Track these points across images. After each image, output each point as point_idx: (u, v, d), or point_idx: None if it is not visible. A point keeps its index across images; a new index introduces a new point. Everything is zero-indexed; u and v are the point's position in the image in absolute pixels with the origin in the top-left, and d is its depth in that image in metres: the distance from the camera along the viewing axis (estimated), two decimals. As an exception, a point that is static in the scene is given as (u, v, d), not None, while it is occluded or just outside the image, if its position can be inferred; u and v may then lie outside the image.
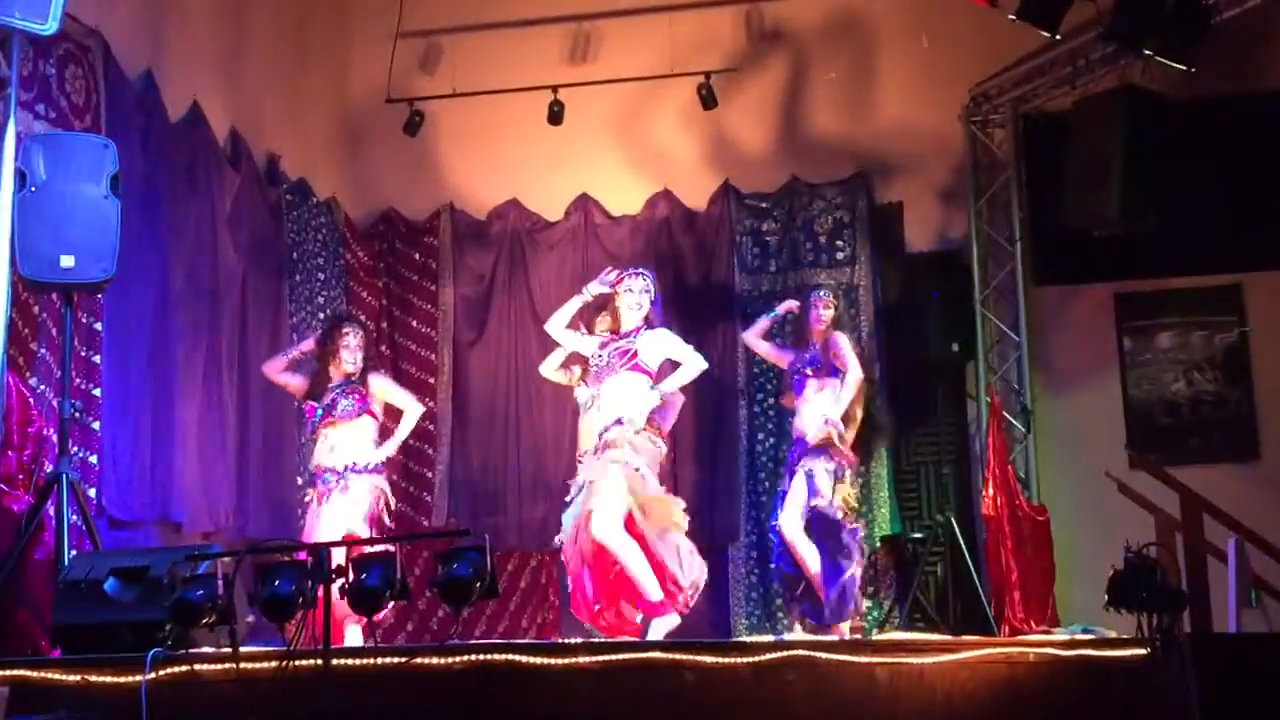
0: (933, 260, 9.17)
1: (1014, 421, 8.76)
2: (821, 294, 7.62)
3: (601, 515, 6.35)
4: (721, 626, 8.68)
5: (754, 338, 7.79)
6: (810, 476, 7.20)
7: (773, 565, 7.74)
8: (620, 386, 6.68)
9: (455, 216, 9.61)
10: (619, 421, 6.53)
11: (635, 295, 6.79)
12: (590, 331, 7.11)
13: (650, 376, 6.73)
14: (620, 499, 6.39)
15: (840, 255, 9.23)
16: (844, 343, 7.39)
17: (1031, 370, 8.87)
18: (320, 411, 7.04)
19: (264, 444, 8.19)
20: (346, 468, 6.96)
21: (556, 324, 6.97)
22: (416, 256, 9.60)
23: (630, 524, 6.41)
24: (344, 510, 6.86)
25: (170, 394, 7.44)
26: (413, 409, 7.26)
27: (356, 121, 9.75)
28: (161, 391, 7.40)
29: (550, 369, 7.36)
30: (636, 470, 6.45)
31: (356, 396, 7.07)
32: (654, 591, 6.36)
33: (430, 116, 9.48)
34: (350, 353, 7.14)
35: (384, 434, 7.42)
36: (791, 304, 7.74)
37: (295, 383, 7.25)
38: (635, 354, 6.73)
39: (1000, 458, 8.24)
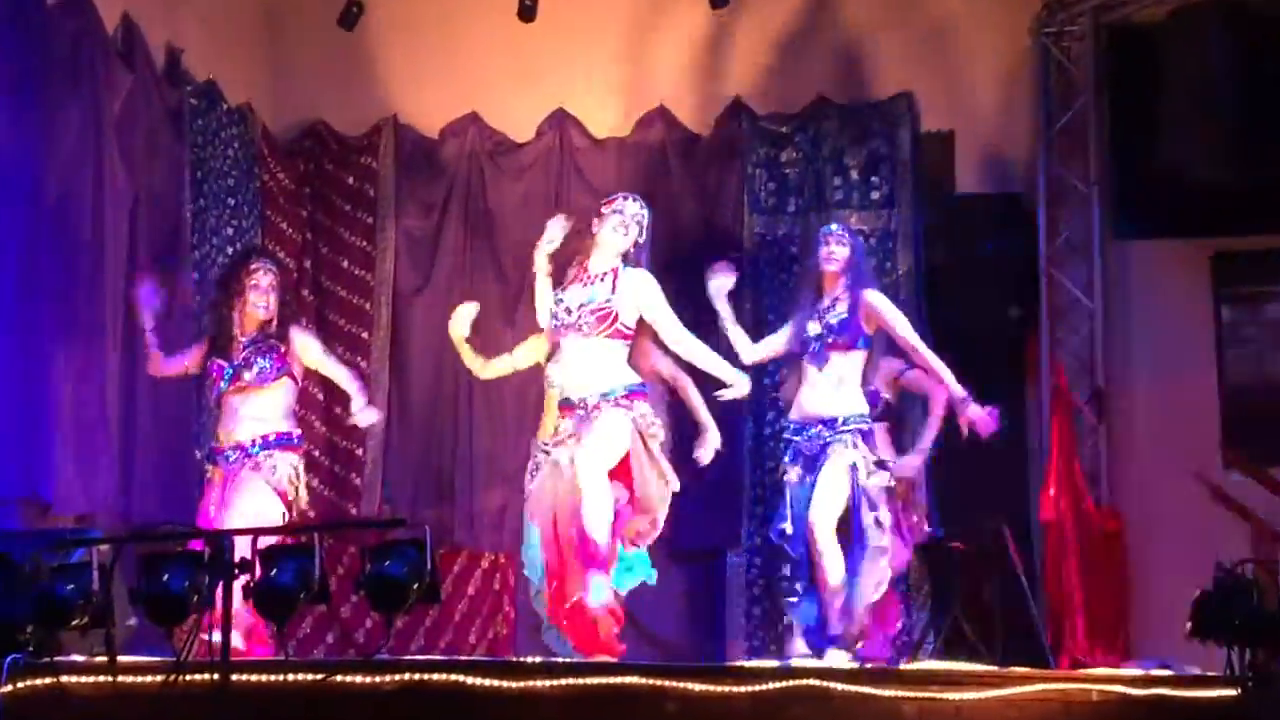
0: (989, 205, 9.16)
1: (1083, 407, 8.77)
2: (834, 229, 7.43)
3: (593, 458, 6.56)
4: (714, 649, 8.71)
5: (756, 351, 7.43)
6: (854, 471, 7.10)
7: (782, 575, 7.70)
8: (594, 356, 6.71)
9: (400, 133, 9.58)
10: (608, 400, 6.70)
11: (625, 218, 6.81)
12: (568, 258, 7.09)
13: (628, 341, 6.76)
14: (621, 446, 6.60)
15: (875, 195, 9.21)
16: (881, 300, 7.24)
17: (1107, 344, 8.88)
18: (230, 371, 7.02)
19: (155, 408, 8.16)
20: (255, 441, 6.95)
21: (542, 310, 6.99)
22: (350, 181, 9.56)
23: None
24: (256, 494, 6.87)
25: (39, 342, 7.41)
26: (351, 389, 7.28)
27: (279, 10, 9.69)
28: (29, 339, 7.36)
29: (488, 368, 7.64)
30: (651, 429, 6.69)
31: (275, 356, 7.05)
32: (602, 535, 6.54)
33: (371, 6, 9.43)
34: (261, 294, 7.11)
35: (304, 401, 7.43)
36: None
37: (190, 360, 7.21)
38: (614, 317, 6.74)
39: (1065, 450, 8.26)
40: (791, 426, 7.21)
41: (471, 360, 7.63)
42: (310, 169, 9.58)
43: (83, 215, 7.72)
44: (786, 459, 7.23)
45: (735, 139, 9.35)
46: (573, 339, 6.74)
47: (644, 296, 6.77)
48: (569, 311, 6.75)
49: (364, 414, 7.28)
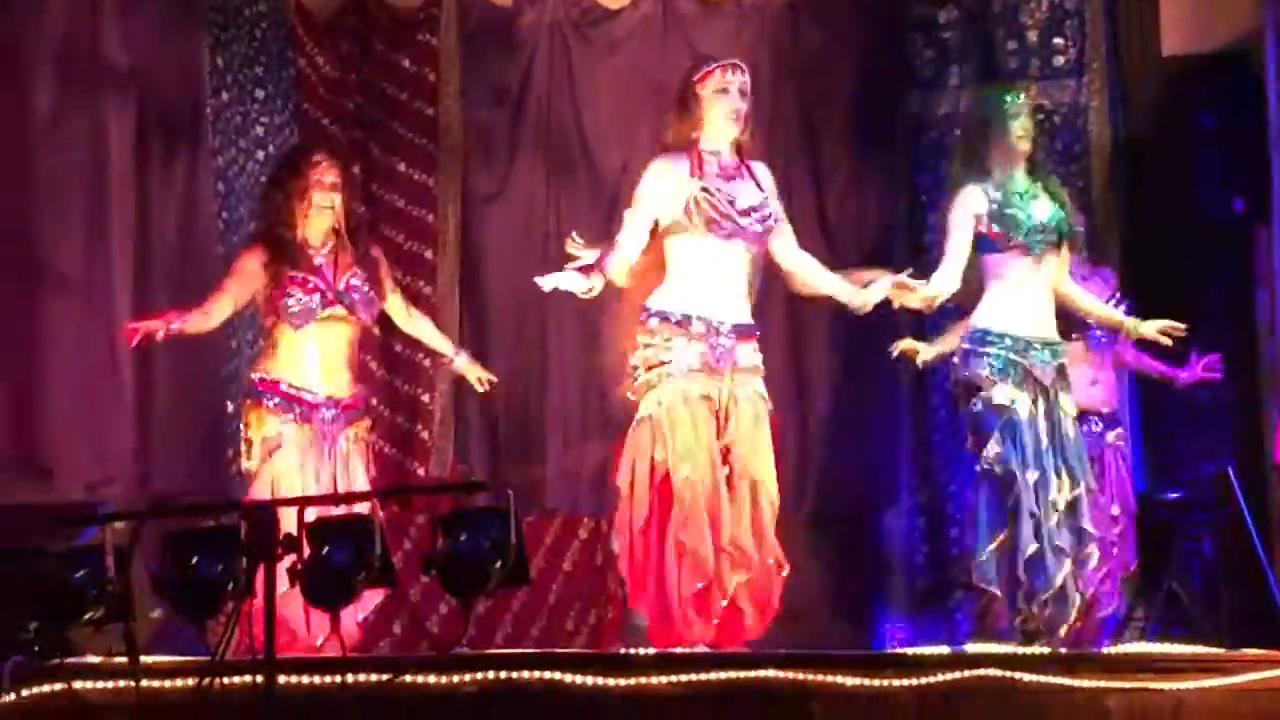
0: (1205, 68, 9.06)
1: (1328, 320, 8.69)
2: (1023, 99, 7.47)
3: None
4: (868, 630, 8.77)
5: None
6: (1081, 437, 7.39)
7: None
8: (751, 272, 6.91)
9: (465, 1, 9.59)
10: (747, 334, 6.89)
11: (732, 99, 6.87)
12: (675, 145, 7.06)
13: None
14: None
15: (1059, 61, 9.13)
16: None
17: (1359, 241, 8.78)
18: (322, 291, 7.12)
19: (176, 355, 8.25)
20: (356, 400, 7.24)
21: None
22: (406, 64, 9.58)
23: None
24: (358, 466, 7.13)
25: (28, 276, 7.52)
26: (440, 343, 7.73)
27: None
28: (14, 273, 7.47)
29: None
30: None
31: (372, 288, 7.25)
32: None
33: None
34: (326, 193, 7.20)
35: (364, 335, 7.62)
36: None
37: (240, 290, 7.27)
38: (772, 226, 6.95)
39: (1306, 376, 8.21)
40: (1007, 340, 7.26)
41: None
42: (356, 51, 9.60)
43: (75, 119, 7.79)
44: (997, 377, 7.23)
45: (883, -4, 9.32)
46: (738, 247, 6.83)
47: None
48: (746, 214, 6.83)
49: (463, 364, 7.67)
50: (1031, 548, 7.02)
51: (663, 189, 6.87)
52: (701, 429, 6.71)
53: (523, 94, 9.48)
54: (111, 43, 7.98)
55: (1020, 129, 7.35)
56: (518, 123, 9.47)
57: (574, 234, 6.97)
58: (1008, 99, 7.42)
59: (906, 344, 7.74)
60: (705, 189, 6.80)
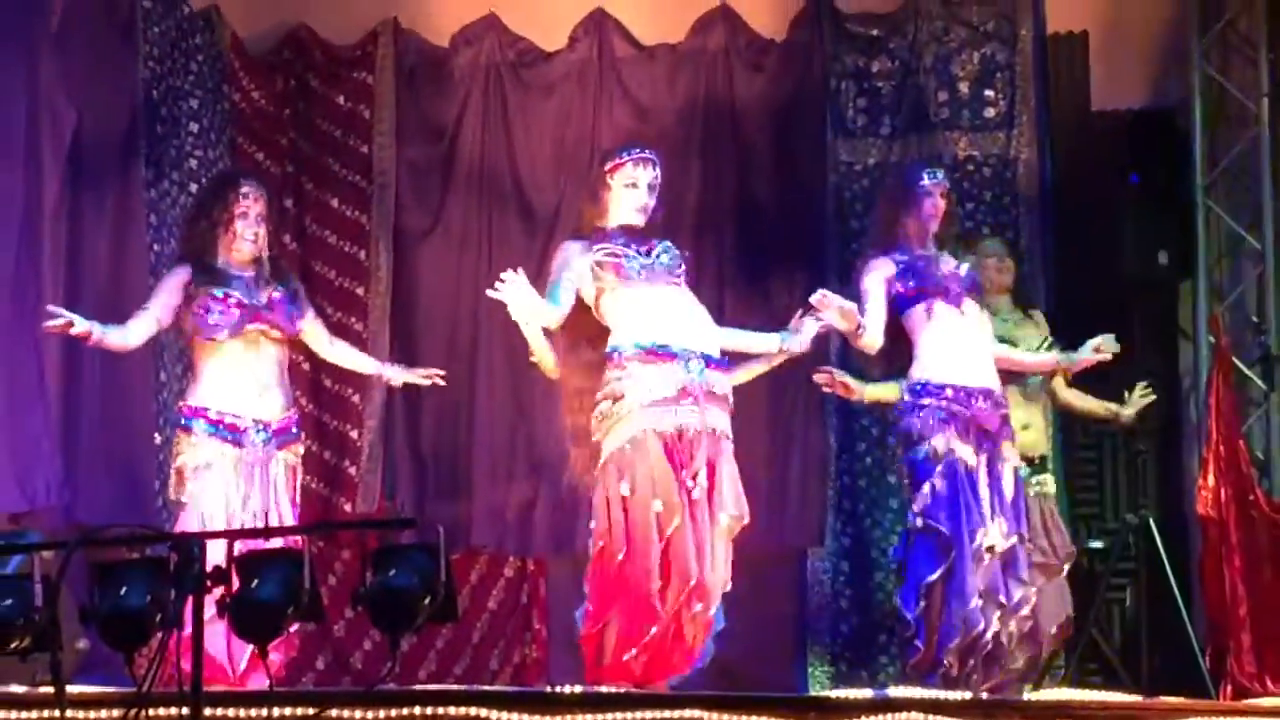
0: (1132, 124, 9.15)
1: (1250, 374, 8.76)
2: (940, 177, 7.63)
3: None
4: (791, 674, 8.78)
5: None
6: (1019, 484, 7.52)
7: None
8: (692, 306, 6.95)
9: (402, 40, 9.60)
10: (716, 364, 6.86)
11: (639, 194, 6.95)
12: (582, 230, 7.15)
13: None
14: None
15: (990, 113, 9.21)
16: None
17: (1279, 296, 8.87)
18: (246, 306, 7.11)
19: (104, 381, 8.22)
20: (290, 422, 7.21)
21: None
22: (341, 100, 9.60)
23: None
24: (284, 493, 7.10)
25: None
26: (368, 366, 7.77)
27: (253, -110, 9.73)
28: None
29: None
30: None
31: (304, 300, 7.25)
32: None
33: (367, -118, 9.49)
34: (250, 225, 7.22)
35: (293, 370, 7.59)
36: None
37: (164, 309, 7.27)
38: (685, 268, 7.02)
39: (1228, 429, 8.24)
40: (948, 391, 7.33)
41: (546, 356, 7.19)
42: (291, 86, 9.60)
43: (12, 149, 7.77)
44: (938, 427, 7.30)
45: (815, 45, 9.35)
46: (664, 289, 6.86)
47: None
48: (648, 253, 6.87)
49: (395, 373, 7.76)
50: (968, 599, 7.09)
51: (572, 264, 6.94)
52: (664, 463, 6.73)
53: (457, 133, 9.49)
54: (49, 78, 7.97)
55: (931, 207, 7.51)
56: (452, 161, 9.48)
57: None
58: (925, 176, 7.57)
59: (841, 375, 7.76)
60: (600, 248, 6.90)
